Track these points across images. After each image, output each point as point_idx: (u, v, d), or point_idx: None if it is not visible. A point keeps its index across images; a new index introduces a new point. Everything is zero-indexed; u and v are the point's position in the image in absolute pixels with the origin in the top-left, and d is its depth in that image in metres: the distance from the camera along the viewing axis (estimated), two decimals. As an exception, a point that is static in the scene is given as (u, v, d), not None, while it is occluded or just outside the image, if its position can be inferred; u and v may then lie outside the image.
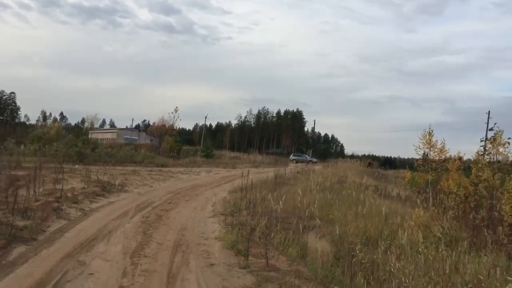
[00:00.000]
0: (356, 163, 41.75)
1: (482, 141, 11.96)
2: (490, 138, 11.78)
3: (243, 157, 46.60)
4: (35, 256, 5.81)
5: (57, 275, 5.10)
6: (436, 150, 17.38)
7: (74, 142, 24.78)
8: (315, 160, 55.50)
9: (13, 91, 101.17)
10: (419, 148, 17.59)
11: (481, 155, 12.31)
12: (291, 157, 56.81)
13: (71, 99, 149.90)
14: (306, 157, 56.83)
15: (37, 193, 9.36)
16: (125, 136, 66.26)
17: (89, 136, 47.14)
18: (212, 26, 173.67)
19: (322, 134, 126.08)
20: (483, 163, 12.58)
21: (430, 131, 17.64)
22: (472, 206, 11.14)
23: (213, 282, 5.50)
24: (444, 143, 17.37)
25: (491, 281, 5.30)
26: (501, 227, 8.99)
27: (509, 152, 12.56)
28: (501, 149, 13.40)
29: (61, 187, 10.54)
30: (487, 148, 11.90)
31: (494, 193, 11.21)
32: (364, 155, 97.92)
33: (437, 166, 16.83)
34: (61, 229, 7.47)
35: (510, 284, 4.09)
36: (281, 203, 9.90)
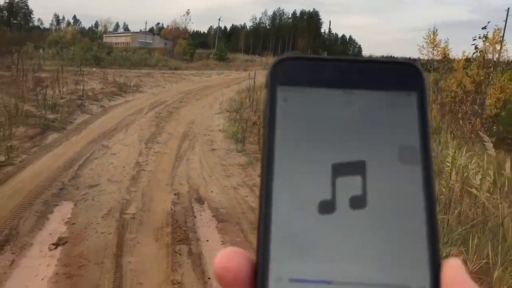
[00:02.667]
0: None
1: (474, 39, 12.44)
2: (483, 37, 12.27)
3: (256, 60, 46.89)
4: (67, 141, 7.07)
5: (86, 154, 6.36)
6: (439, 49, 17.84)
7: (89, 46, 25.57)
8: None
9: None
10: (422, 48, 18.05)
11: (473, 53, 12.87)
12: (305, 59, 56.64)
13: (82, 2, 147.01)
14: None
15: (61, 92, 10.51)
16: (139, 40, 66.24)
17: (104, 40, 47.57)
18: None
19: (340, 36, 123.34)
20: (479, 60, 13.20)
21: (435, 31, 17.93)
22: (467, 101, 12.00)
23: (212, 161, 6.72)
24: (447, 42, 17.75)
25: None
26: (479, 119, 9.93)
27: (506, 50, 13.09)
28: (498, 47, 13.91)
29: (82, 88, 11.66)
30: (480, 46, 12.43)
31: (483, 88, 12.01)
32: (382, 56, 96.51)
33: (439, 66, 17.41)
34: (85, 121, 8.71)
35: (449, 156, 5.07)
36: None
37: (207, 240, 4.00)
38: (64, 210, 4.39)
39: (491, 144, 4.69)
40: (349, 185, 0.27)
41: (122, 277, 3.22)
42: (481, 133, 6.06)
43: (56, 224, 4.06)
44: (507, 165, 4.36)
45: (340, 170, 0.27)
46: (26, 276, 3.15)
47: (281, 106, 0.29)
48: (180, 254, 3.66)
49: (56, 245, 3.63)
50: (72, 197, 4.73)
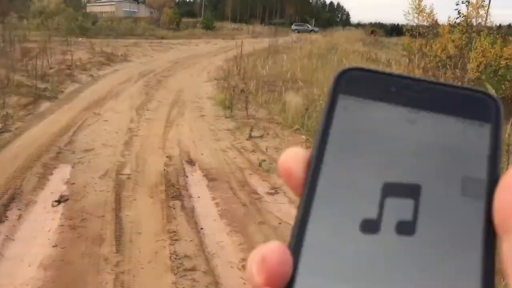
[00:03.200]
0: (357, 32, 41.70)
1: (457, 4, 12.64)
2: (465, 2, 12.48)
3: (244, 29, 46.50)
4: (59, 109, 7.27)
5: (79, 121, 6.59)
6: (424, 15, 17.99)
7: (74, 16, 25.23)
8: (317, 29, 55.17)
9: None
10: (408, 14, 18.17)
11: (456, 18, 13.08)
12: (293, 27, 56.33)
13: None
14: (308, 27, 56.44)
15: (49, 62, 10.60)
16: (124, 9, 64.95)
17: (88, 10, 46.73)
18: None
19: (328, 2, 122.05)
20: (463, 25, 13.43)
21: (420, -4, 18.01)
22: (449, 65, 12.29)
23: (201, 126, 6.98)
24: (432, 8, 17.88)
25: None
26: (460, 83, 10.26)
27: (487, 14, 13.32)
28: (481, 12, 14.11)
29: (70, 58, 11.72)
30: (463, 11, 12.65)
31: (465, 53, 12.30)
32: (371, 23, 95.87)
33: (424, 32, 17.59)
34: (76, 90, 8.88)
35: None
36: (267, 68, 11.13)
37: (199, 197, 4.32)
38: (63, 171, 4.66)
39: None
40: (399, 208, 0.25)
41: (122, 228, 3.53)
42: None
43: (57, 184, 4.34)
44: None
45: (391, 190, 0.26)
46: (34, 229, 3.45)
47: (339, 114, 0.28)
48: (174, 209, 3.97)
49: (59, 201, 3.92)
50: (69, 160, 5.00)
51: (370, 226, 0.25)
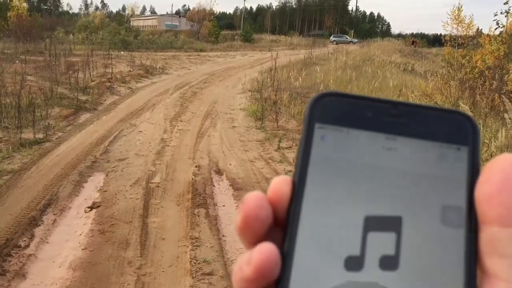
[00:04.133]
0: (396, 42, 41.15)
1: (495, 15, 12.35)
2: (504, 12, 12.16)
3: (281, 40, 46.81)
4: (98, 120, 7.63)
5: (116, 131, 6.91)
6: (464, 25, 17.65)
7: (117, 30, 26.26)
8: (355, 40, 54.76)
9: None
10: (447, 24, 17.87)
11: (495, 29, 12.77)
12: (331, 38, 56.25)
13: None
14: (347, 38, 56.14)
15: (91, 75, 11.12)
16: (166, 23, 66.91)
17: (131, 24, 48.39)
18: None
19: (368, 13, 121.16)
20: (503, 35, 13.08)
21: (459, 6, 17.69)
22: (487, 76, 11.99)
23: (232, 137, 7.15)
24: (472, 18, 17.52)
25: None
26: (497, 94, 10.00)
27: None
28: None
29: (111, 71, 12.24)
30: (500, 22, 12.35)
31: (504, 63, 11.97)
32: (412, 33, 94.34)
33: (464, 42, 17.23)
34: (114, 102, 9.28)
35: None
36: (300, 79, 11.24)
37: (224, 205, 4.45)
38: (97, 179, 4.92)
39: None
40: (381, 242, 0.25)
41: (148, 233, 3.71)
42: (505, 100, 5.90)
43: (90, 191, 4.59)
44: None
45: (373, 224, 0.25)
46: (66, 232, 3.68)
47: (317, 145, 0.27)
48: (198, 216, 4.13)
49: (91, 208, 4.15)
50: (104, 169, 5.26)
51: (354, 264, 0.25)
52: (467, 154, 0.26)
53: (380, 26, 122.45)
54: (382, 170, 0.26)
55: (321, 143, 0.27)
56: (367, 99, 0.28)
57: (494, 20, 12.50)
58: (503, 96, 9.95)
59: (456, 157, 0.26)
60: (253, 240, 0.26)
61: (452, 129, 0.27)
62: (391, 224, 0.25)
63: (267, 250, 0.25)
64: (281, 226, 0.27)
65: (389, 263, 0.25)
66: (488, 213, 0.24)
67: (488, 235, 0.24)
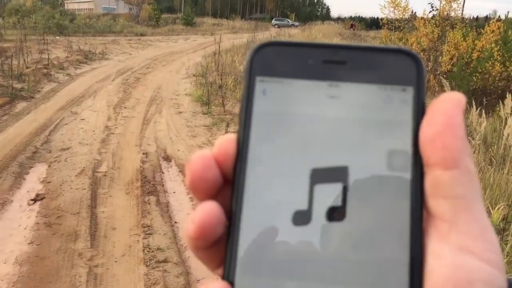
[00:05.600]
0: (336, 26, 41.96)
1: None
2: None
3: (224, 24, 46.40)
4: (36, 109, 7.28)
5: (56, 120, 6.62)
6: (400, 9, 18.28)
7: (51, 14, 24.92)
8: (297, 24, 55.44)
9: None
10: (384, 7, 18.44)
11: (429, 12, 13.36)
12: (273, 22, 56.54)
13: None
14: (288, 22, 56.65)
15: (26, 62, 10.54)
16: (102, 6, 64.35)
17: (66, 7, 46.13)
18: None
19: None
20: (436, 18, 13.70)
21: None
22: (423, 58, 12.52)
23: (179, 123, 7.07)
24: (408, 1, 18.18)
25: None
26: (432, 75, 10.53)
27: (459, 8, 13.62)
28: (454, 5, 14.40)
29: (47, 57, 11.65)
30: (434, 5, 12.95)
31: (437, 46, 12.59)
32: (351, 17, 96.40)
33: (400, 25, 17.88)
34: (53, 89, 8.86)
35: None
36: (245, 63, 11.22)
37: (174, 192, 4.42)
38: (39, 170, 4.72)
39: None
40: (328, 194, 0.25)
41: (97, 224, 3.62)
42: (443, 80, 6.16)
43: (33, 183, 4.40)
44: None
45: (319, 176, 0.25)
46: (10, 227, 3.52)
47: (258, 99, 0.27)
48: (149, 204, 4.07)
49: (35, 200, 3.98)
50: (46, 159, 5.05)
51: (302, 218, 0.25)
52: (412, 95, 0.26)
53: (320, 9, 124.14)
54: (327, 120, 0.26)
55: (263, 97, 0.27)
56: (307, 45, 0.28)
57: (429, 4, 13.07)
58: (439, 76, 10.48)
59: (401, 99, 0.26)
60: (203, 199, 0.27)
61: (396, 70, 0.26)
62: (338, 174, 0.25)
63: (208, 209, 0.25)
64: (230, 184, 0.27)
65: (336, 214, 0.25)
66: (431, 156, 0.24)
67: (432, 178, 0.24)
